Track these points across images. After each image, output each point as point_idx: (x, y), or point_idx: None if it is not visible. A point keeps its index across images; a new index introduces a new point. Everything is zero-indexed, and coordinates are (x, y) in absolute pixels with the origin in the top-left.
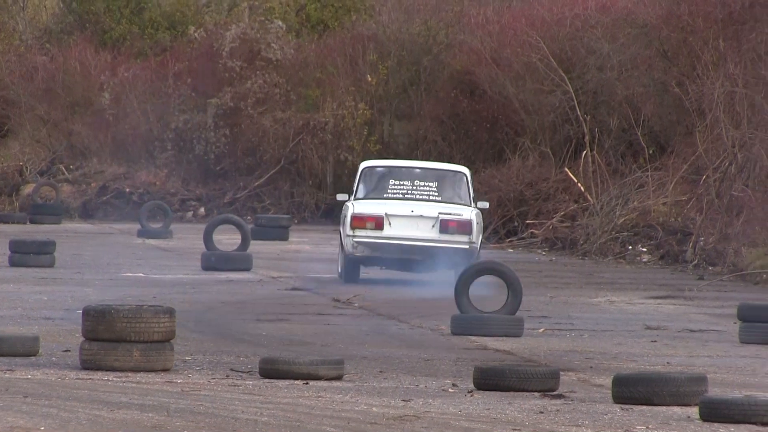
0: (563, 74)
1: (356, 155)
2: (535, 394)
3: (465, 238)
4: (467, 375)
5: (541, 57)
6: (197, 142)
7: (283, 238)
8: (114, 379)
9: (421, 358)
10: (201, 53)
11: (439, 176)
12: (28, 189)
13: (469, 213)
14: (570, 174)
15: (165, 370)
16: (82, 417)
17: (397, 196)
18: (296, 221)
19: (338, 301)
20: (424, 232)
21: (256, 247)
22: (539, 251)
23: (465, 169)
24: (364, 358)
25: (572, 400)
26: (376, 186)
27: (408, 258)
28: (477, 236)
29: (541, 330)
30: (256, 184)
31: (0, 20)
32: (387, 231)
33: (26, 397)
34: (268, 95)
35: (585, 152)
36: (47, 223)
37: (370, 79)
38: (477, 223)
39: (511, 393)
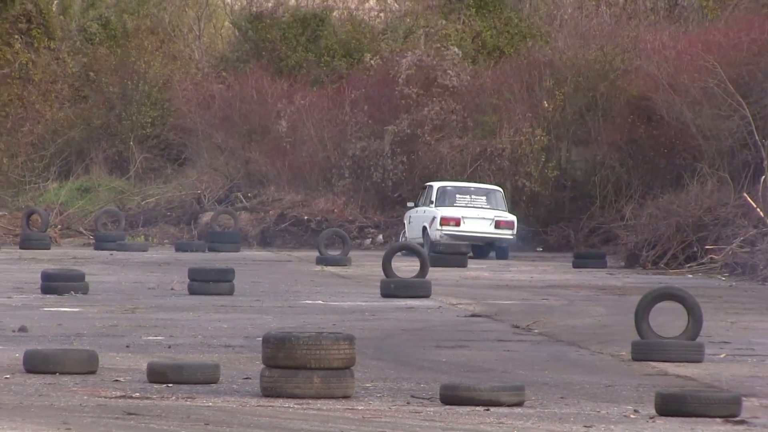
0: (741, 99)
1: (534, 181)
2: (717, 420)
3: (509, 232)
4: (649, 401)
5: (718, 82)
6: (374, 169)
7: (462, 265)
8: (295, 406)
9: (601, 384)
10: (377, 80)
11: (485, 192)
12: (206, 217)
13: (512, 216)
14: (749, 199)
15: (346, 397)
16: None
17: (461, 205)
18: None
19: (518, 327)
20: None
21: (434, 274)
22: (719, 276)
23: (500, 188)
24: (545, 384)
25: (755, 426)
26: (446, 199)
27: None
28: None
29: (722, 355)
30: None
31: (176, 49)
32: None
33: (207, 424)
34: (445, 122)
35: (764, 177)
36: (226, 251)
37: (546, 105)
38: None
39: (693, 419)
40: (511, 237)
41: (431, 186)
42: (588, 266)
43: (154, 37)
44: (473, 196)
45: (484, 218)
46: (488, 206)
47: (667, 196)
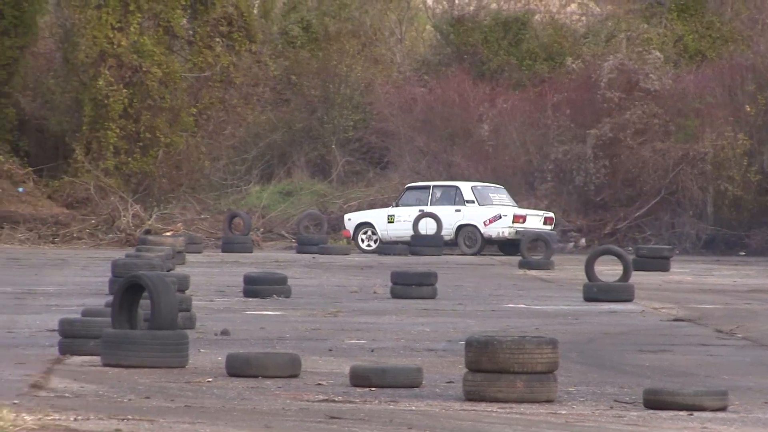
0: None
1: (736, 186)
2: None
3: (551, 227)
4: None
5: None
6: (577, 173)
7: (665, 269)
8: (498, 410)
9: None
10: (579, 84)
11: (501, 191)
12: None
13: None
14: None
15: (548, 401)
16: None
17: (495, 203)
18: (677, 252)
19: (721, 331)
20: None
21: (637, 277)
22: None
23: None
24: (749, 389)
25: None
26: (483, 198)
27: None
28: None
29: None
30: (637, 214)
31: (378, 52)
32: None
33: (410, 428)
34: (647, 126)
35: None
36: (428, 254)
37: (749, 109)
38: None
39: None
40: (554, 232)
41: (455, 186)
42: None
43: (355, 40)
44: (499, 194)
45: (537, 215)
46: (510, 203)
47: None
